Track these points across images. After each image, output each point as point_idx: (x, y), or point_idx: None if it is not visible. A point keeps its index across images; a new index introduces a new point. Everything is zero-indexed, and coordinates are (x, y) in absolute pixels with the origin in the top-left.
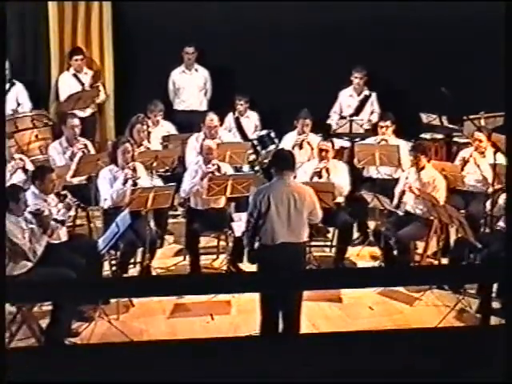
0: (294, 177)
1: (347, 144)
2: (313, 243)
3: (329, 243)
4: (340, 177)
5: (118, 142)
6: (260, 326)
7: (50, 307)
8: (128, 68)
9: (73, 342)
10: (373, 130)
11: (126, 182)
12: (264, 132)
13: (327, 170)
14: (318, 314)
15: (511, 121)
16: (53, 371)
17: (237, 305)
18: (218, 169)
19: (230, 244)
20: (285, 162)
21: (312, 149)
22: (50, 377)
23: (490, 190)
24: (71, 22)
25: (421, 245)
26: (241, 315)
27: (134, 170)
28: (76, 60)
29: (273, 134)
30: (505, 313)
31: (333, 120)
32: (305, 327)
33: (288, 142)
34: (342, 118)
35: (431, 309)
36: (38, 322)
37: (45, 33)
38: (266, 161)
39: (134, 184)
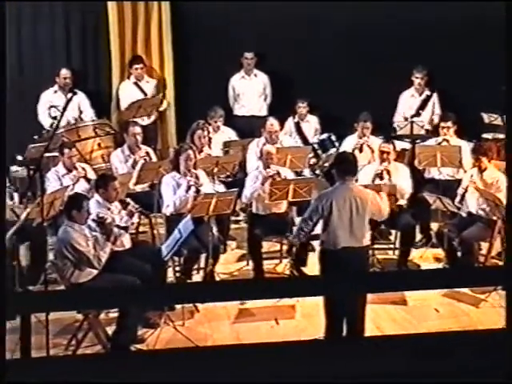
0: (356, 180)
1: (408, 146)
2: (376, 246)
3: (392, 246)
4: (401, 179)
5: (180, 149)
6: (324, 330)
7: (115, 314)
8: (188, 74)
9: (138, 349)
10: (434, 131)
11: (188, 189)
12: (324, 135)
13: (388, 172)
14: (383, 317)
15: (511, 121)
16: (119, 378)
17: (301, 309)
18: (278, 173)
19: (293, 248)
20: (347, 166)
21: (372, 152)
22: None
23: None
24: (131, 31)
25: (485, 246)
26: (305, 319)
27: (197, 177)
28: (136, 69)
29: (333, 138)
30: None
31: (396, 122)
32: (370, 330)
33: (348, 145)
34: (405, 119)
35: (497, 310)
36: (104, 328)
37: (105, 42)
38: (326, 164)
39: (197, 191)
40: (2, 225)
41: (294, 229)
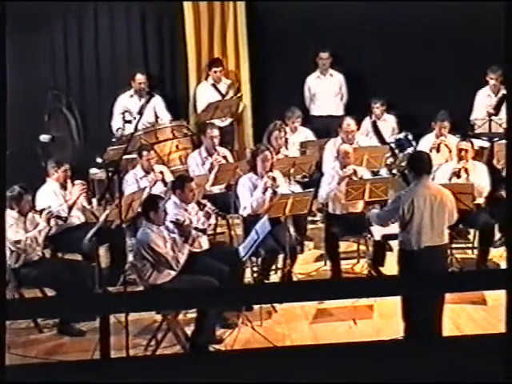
0: (432, 179)
1: (486, 144)
2: (454, 245)
3: (470, 245)
4: (479, 177)
5: (257, 150)
6: (403, 330)
7: (194, 314)
8: (264, 75)
9: (217, 349)
10: None
11: (265, 190)
12: (401, 135)
13: (466, 171)
14: (462, 317)
15: (511, 121)
16: (198, 378)
17: (379, 309)
18: (355, 173)
19: (370, 248)
20: (423, 165)
21: (450, 151)
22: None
23: None
24: (207, 33)
25: None
26: (383, 319)
27: (274, 178)
28: (215, 72)
29: (410, 137)
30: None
31: (473, 120)
32: (449, 330)
33: (425, 144)
34: (488, 115)
35: None
36: (183, 329)
37: (182, 44)
38: (403, 164)
39: (274, 192)
40: (2, 224)
41: (373, 212)
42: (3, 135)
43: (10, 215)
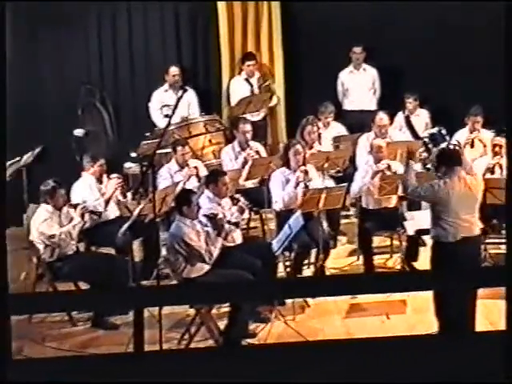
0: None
1: None
2: (488, 240)
3: (504, 240)
4: None
5: (289, 145)
6: (437, 325)
7: (227, 309)
8: (297, 70)
9: (250, 343)
10: None
11: (297, 184)
12: (435, 129)
13: (501, 166)
14: (496, 312)
15: (511, 121)
16: (231, 372)
17: (412, 304)
18: (389, 168)
19: (404, 243)
20: (453, 159)
21: (484, 146)
22: (228, 377)
23: None
24: (241, 27)
25: None
26: (417, 314)
27: (306, 172)
28: (248, 65)
29: (444, 131)
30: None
31: None
32: (484, 325)
33: (459, 139)
34: None
35: None
36: (216, 323)
37: (215, 39)
38: None
39: (306, 186)
40: (2, 224)
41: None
42: (3, 136)
43: (45, 209)
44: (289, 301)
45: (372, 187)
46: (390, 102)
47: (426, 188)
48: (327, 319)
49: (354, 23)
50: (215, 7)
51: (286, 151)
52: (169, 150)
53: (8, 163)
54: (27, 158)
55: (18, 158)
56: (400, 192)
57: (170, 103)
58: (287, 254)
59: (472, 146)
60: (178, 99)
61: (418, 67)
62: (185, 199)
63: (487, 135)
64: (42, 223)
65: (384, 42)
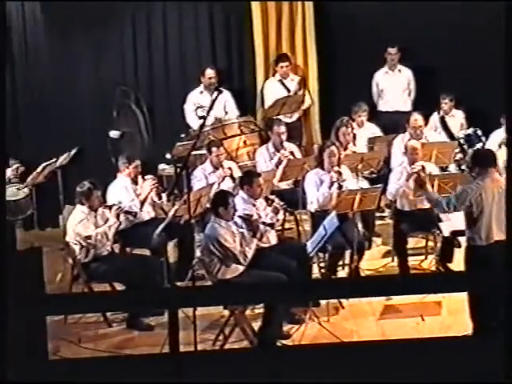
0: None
1: None
2: None
3: None
4: None
5: (324, 146)
6: (471, 327)
7: (261, 310)
8: (332, 71)
9: (284, 344)
10: None
11: (331, 185)
12: (470, 130)
13: None
14: None
15: (511, 120)
16: (265, 373)
17: (447, 305)
18: (423, 169)
19: (439, 244)
20: (488, 160)
21: None
22: (262, 378)
23: None
24: (275, 28)
25: None
26: (452, 316)
27: (340, 173)
28: (282, 67)
29: (479, 132)
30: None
31: None
32: None
33: (495, 139)
34: None
35: None
36: (251, 324)
37: (249, 40)
38: None
39: (340, 187)
40: (2, 224)
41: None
42: (3, 136)
43: (81, 210)
44: (323, 302)
45: (407, 189)
46: (425, 102)
47: (459, 194)
48: (362, 321)
49: (388, 23)
50: (249, 7)
51: (320, 152)
52: (203, 151)
53: (44, 164)
54: (63, 159)
55: (53, 160)
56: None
57: (205, 105)
58: (322, 255)
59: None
60: (213, 101)
61: (454, 68)
62: (222, 200)
63: None
64: (78, 224)
65: (419, 42)
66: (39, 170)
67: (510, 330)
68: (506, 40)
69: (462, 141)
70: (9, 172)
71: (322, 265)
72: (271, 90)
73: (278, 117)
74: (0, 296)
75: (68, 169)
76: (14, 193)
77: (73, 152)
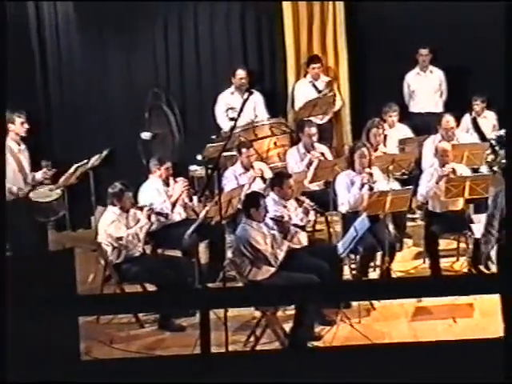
0: None
1: None
2: None
3: None
4: None
5: (354, 147)
6: (503, 329)
7: (292, 311)
8: (363, 73)
9: (316, 345)
10: None
11: (362, 186)
12: (502, 131)
13: None
14: None
15: (511, 120)
16: (297, 374)
17: (480, 307)
18: (453, 171)
19: (471, 246)
20: None
21: None
22: (293, 380)
23: None
24: (306, 30)
25: None
26: (484, 318)
27: (371, 174)
28: (313, 68)
29: None
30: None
31: None
32: None
33: None
34: None
35: None
36: (282, 325)
37: (281, 41)
38: (504, 161)
39: (371, 188)
40: (2, 224)
41: (483, 239)
42: (3, 136)
43: (112, 211)
44: (354, 303)
45: (438, 190)
46: (457, 104)
47: (491, 216)
48: (393, 322)
49: (419, 23)
50: (280, 8)
51: (351, 154)
52: (234, 152)
53: (76, 165)
54: (95, 160)
55: (85, 161)
56: (466, 195)
57: (236, 106)
58: (353, 256)
59: None
60: (244, 102)
61: (486, 69)
62: (253, 201)
63: None
64: (110, 225)
65: (451, 42)
66: (71, 171)
67: (507, 330)
68: (506, 39)
69: (493, 142)
70: (40, 173)
71: (353, 266)
72: (302, 92)
73: (309, 118)
74: (0, 296)
75: (100, 170)
76: (46, 194)
77: (104, 153)
